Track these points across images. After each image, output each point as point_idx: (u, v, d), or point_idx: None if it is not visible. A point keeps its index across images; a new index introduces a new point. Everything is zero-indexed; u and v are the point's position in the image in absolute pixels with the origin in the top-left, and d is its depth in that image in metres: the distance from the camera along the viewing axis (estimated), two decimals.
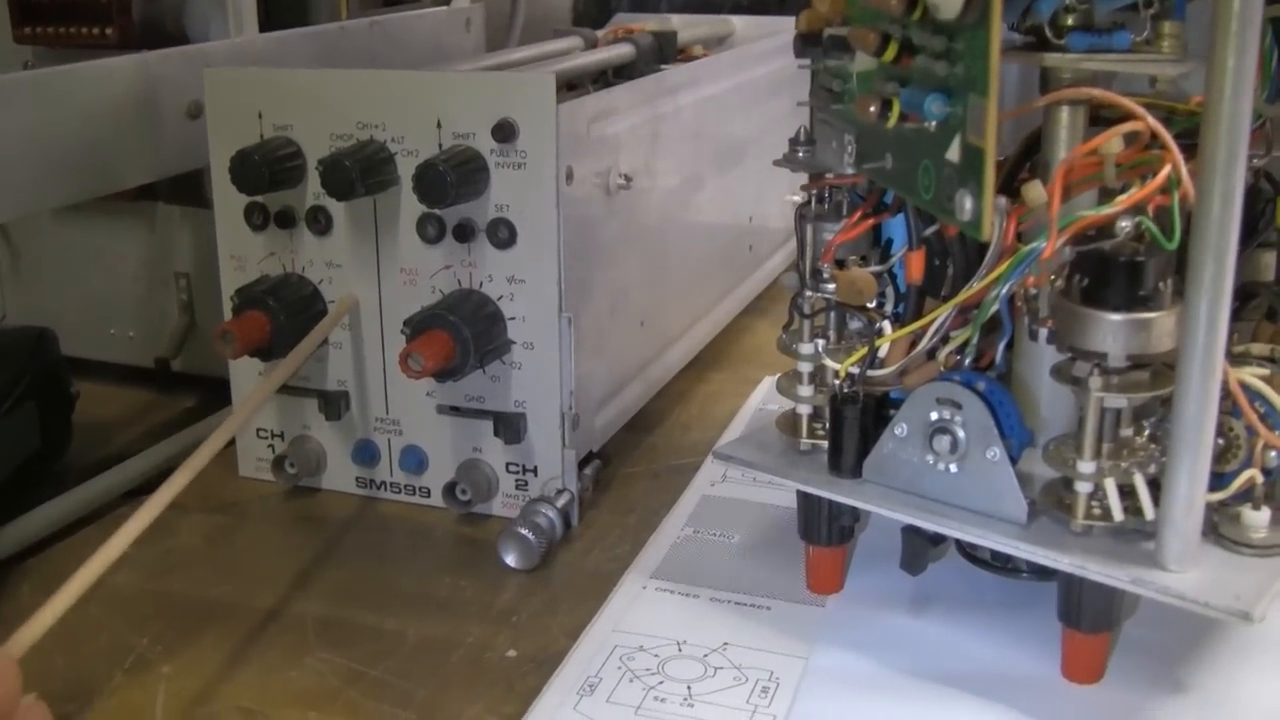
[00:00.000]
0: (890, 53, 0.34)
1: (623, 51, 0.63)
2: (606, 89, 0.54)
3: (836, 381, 0.39)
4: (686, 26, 0.73)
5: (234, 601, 0.44)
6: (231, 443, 0.50)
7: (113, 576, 0.39)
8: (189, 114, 0.54)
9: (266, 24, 0.62)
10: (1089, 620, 0.37)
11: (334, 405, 0.51)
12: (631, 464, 0.54)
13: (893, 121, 0.34)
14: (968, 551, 0.41)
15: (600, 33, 0.70)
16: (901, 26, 0.34)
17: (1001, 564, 0.40)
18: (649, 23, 0.72)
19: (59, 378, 0.54)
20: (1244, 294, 0.41)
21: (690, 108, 0.58)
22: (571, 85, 0.61)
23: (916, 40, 0.33)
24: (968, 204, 0.32)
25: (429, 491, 0.51)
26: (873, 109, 0.34)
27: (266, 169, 0.47)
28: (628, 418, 0.55)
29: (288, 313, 0.49)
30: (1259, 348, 0.39)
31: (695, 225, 0.60)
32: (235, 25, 0.59)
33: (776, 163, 0.41)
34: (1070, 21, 0.34)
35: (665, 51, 0.65)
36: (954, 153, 0.32)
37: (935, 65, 0.32)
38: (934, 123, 0.32)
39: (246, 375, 0.52)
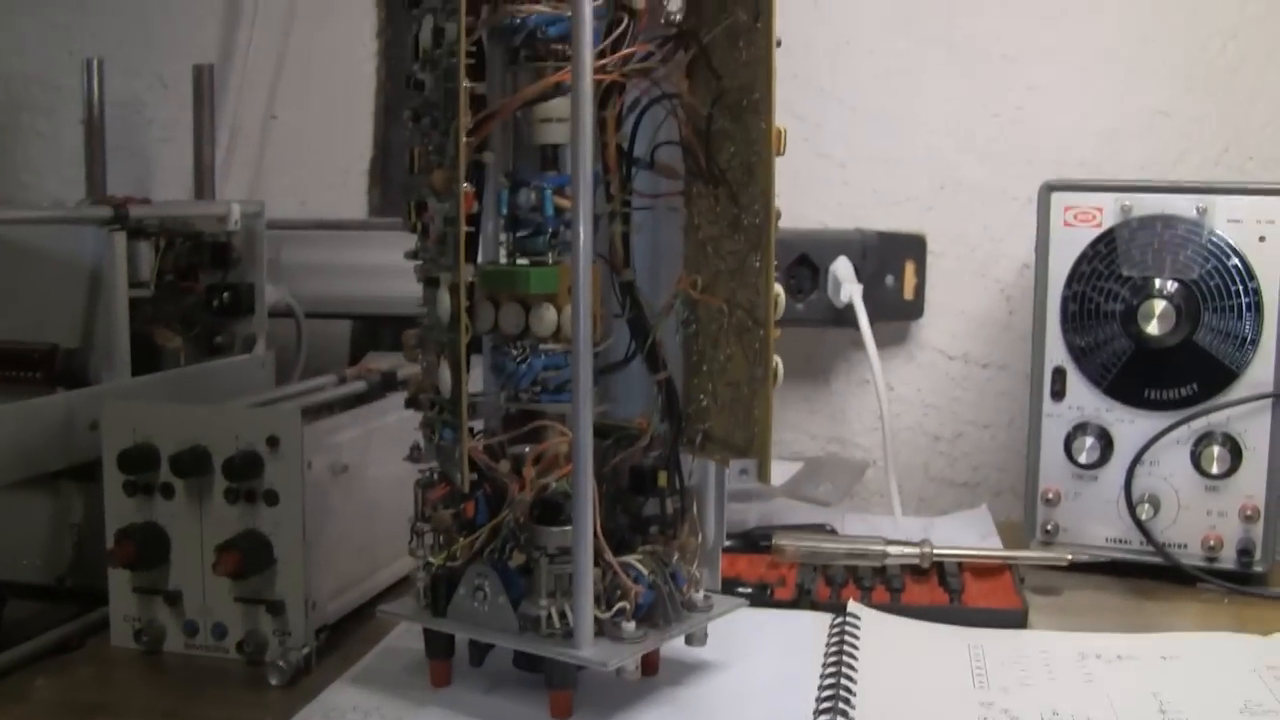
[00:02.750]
0: None
1: (357, 387, 1.02)
2: (339, 415, 0.93)
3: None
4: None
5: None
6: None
7: None
8: (90, 428, 0.92)
9: (135, 368, 1.00)
10: (556, 680, 0.74)
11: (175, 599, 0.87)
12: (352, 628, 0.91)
13: None
14: (516, 663, 0.79)
15: (349, 370, 1.09)
16: None
17: (529, 666, 0.78)
18: (386, 361, 1.11)
19: None
20: None
21: (394, 423, 0.97)
22: (323, 409, 0.99)
23: None
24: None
25: (228, 649, 0.87)
26: None
27: (140, 459, 0.85)
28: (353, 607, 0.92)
29: (147, 545, 0.86)
30: None
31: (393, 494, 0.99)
32: (119, 373, 0.97)
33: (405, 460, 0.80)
34: None
35: (387, 385, 1.04)
36: None
37: None
38: None
39: (120, 584, 0.88)
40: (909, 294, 1.25)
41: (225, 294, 1.10)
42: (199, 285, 1.10)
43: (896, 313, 1.25)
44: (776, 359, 0.73)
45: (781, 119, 0.72)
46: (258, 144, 1.44)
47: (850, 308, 1.17)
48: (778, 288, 0.72)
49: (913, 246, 1.26)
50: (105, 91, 1.32)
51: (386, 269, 1.23)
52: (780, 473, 1.12)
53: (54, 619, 0.90)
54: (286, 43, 1.43)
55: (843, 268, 1.18)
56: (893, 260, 1.24)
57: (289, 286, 1.21)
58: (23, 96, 1.49)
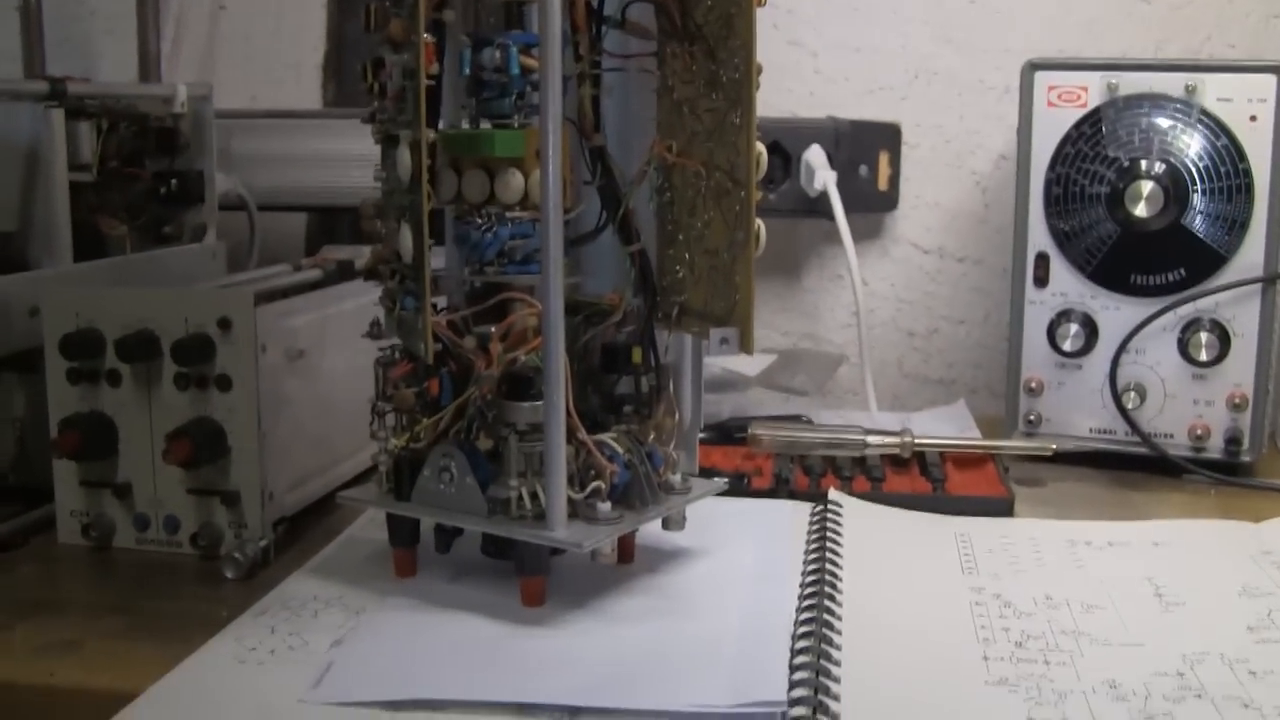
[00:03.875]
0: None
1: (312, 275, 0.97)
2: (294, 299, 0.89)
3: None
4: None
5: None
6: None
7: None
8: (30, 314, 0.87)
9: (78, 257, 0.95)
10: (528, 566, 0.70)
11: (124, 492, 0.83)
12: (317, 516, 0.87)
13: None
14: (484, 549, 0.75)
15: (306, 260, 1.04)
16: None
17: (498, 553, 0.74)
18: (343, 253, 1.07)
19: None
20: None
21: (351, 310, 0.92)
22: (277, 294, 0.95)
23: None
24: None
25: (181, 543, 0.83)
26: None
27: (83, 345, 0.80)
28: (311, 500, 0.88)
29: (93, 435, 0.81)
30: None
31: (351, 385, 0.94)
32: (60, 259, 0.92)
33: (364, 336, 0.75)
34: None
35: (344, 273, 1.00)
36: None
37: None
38: None
39: (66, 477, 0.84)
40: (883, 185, 1.21)
41: (173, 181, 1.05)
42: (145, 172, 1.05)
43: (870, 204, 1.22)
44: (759, 222, 0.69)
45: None
46: (205, 35, 1.38)
47: (824, 197, 1.13)
48: (759, 145, 0.68)
49: (887, 136, 1.22)
50: None
51: (342, 158, 1.19)
52: (753, 364, 1.08)
53: None
54: None
55: (816, 156, 1.14)
56: (867, 150, 1.20)
57: (240, 177, 1.16)
58: None
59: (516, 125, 0.72)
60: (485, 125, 0.72)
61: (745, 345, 0.70)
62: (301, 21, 1.37)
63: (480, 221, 0.72)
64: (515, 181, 0.70)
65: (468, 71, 0.72)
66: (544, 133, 0.65)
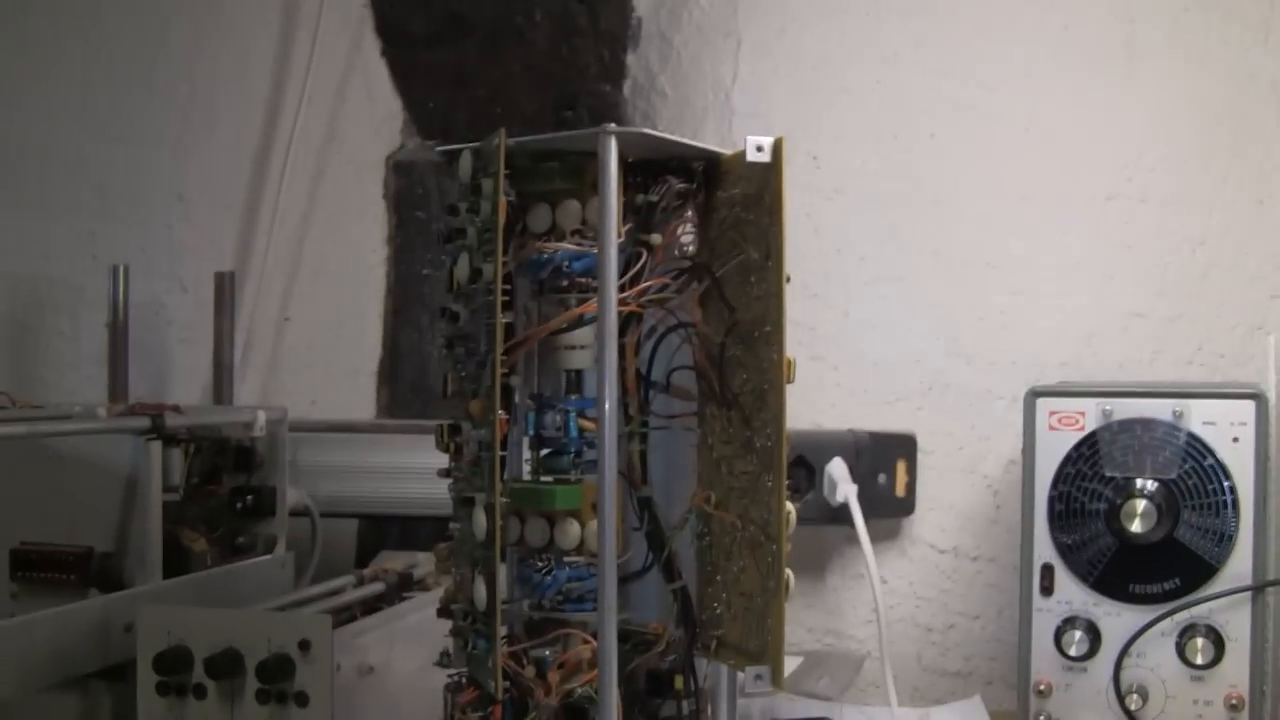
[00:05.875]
0: None
1: (376, 588, 1.06)
2: (364, 619, 0.98)
3: None
4: (427, 561, 1.17)
5: None
6: None
7: None
8: (125, 629, 0.96)
9: (164, 573, 1.04)
10: None
11: None
12: None
13: None
14: None
15: (366, 571, 1.13)
16: None
17: None
18: (399, 561, 1.16)
19: None
20: None
21: (414, 624, 1.01)
22: (345, 610, 1.04)
23: None
24: None
25: None
26: None
27: (174, 661, 0.89)
28: None
29: None
30: None
31: (415, 698, 1.02)
32: (151, 577, 1.02)
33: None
34: None
35: (404, 584, 1.09)
36: None
37: None
38: None
39: None
40: (900, 491, 1.31)
41: (249, 497, 1.15)
42: (222, 488, 1.14)
43: (889, 509, 1.31)
44: (788, 571, 0.78)
45: None
46: (271, 345, 1.50)
47: (845, 506, 1.22)
48: (789, 505, 0.78)
49: (904, 446, 1.32)
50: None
51: (396, 470, 1.30)
52: None
53: None
54: (301, 248, 1.50)
55: (838, 469, 1.24)
56: (885, 459, 1.30)
57: (304, 487, 1.26)
58: (47, 297, 1.55)
59: (574, 479, 0.81)
60: (546, 479, 0.82)
61: (777, 682, 0.78)
62: (360, 330, 1.48)
63: (540, 564, 0.81)
64: (573, 530, 0.79)
65: (532, 432, 0.82)
66: (602, 491, 0.75)
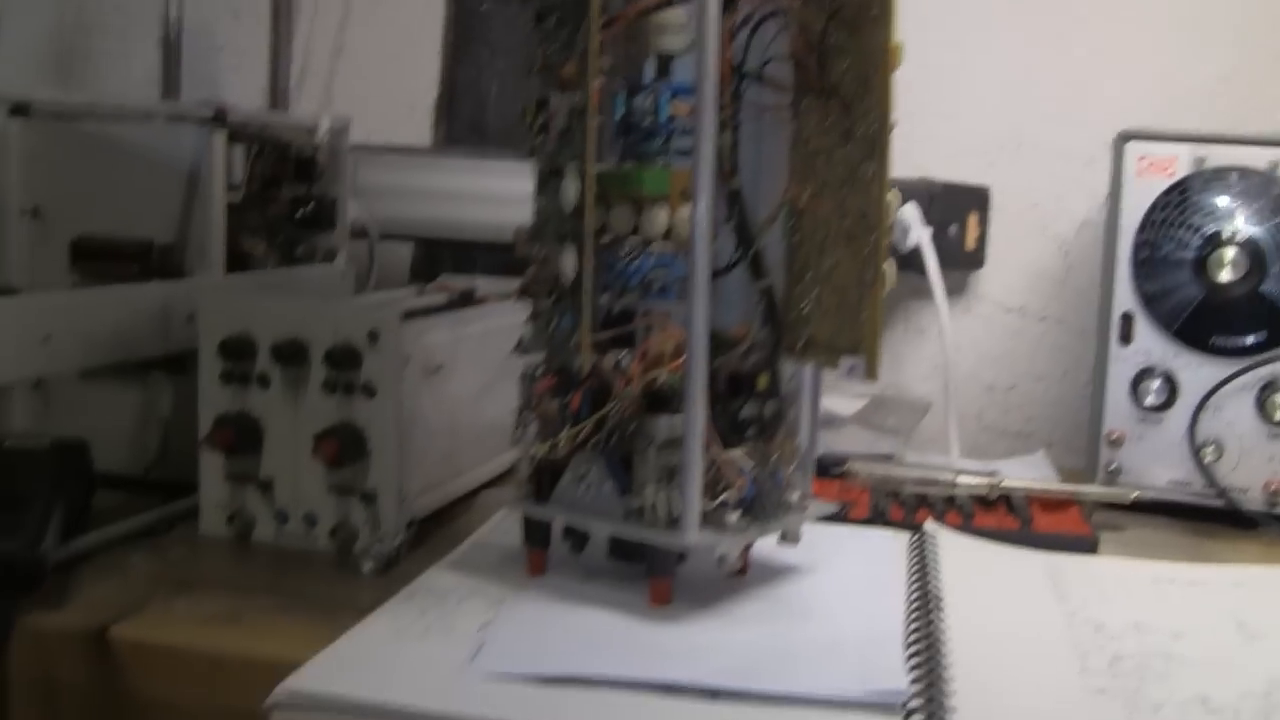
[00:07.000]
0: None
1: (439, 299, 1.04)
2: (433, 316, 0.95)
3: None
4: (485, 285, 1.14)
5: None
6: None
7: None
8: (187, 319, 0.94)
9: (229, 269, 1.02)
10: (658, 567, 0.76)
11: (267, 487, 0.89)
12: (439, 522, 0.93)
13: None
14: (612, 553, 0.80)
15: (428, 286, 1.11)
16: None
17: (625, 557, 0.80)
18: (459, 282, 1.13)
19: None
20: None
21: (478, 333, 0.99)
22: (416, 312, 1.01)
23: None
24: None
25: (318, 538, 0.89)
26: None
27: (239, 348, 0.87)
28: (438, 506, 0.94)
29: (242, 432, 0.88)
30: None
31: (477, 402, 1.00)
32: (213, 271, 0.99)
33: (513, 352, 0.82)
34: None
35: (466, 300, 1.06)
36: None
37: None
38: None
39: (212, 471, 0.90)
40: (971, 244, 1.27)
41: (309, 206, 1.12)
42: (282, 196, 1.11)
43: (958, 262, 1.27)
44: (890, 260, 0.75)
45: None
46: (326, 75, 1.45)
47: (916, 252, 1.19)
48: (891, 191, 0.74)
49: (977, 198, 1.28)
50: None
51: (453, 194, 1.27)
52: (848, 406, 1.14)
53: (142, 507, 0.92)
54: None
55: (910, 213, 1.20)
56: (957, 210, 1.26)
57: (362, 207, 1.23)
58: (95, 19, 1.50)
59: (661, 166, 0.78)
60: (630, 164, 0.78)
61: (871, 371, 0.75)
62: (417, 65, 1.44)
63: (625, 251, 0.78)
64: (660, 217, 0.76)
65: (621, 115, 0.78)
66: (697, 172, 0.72)
